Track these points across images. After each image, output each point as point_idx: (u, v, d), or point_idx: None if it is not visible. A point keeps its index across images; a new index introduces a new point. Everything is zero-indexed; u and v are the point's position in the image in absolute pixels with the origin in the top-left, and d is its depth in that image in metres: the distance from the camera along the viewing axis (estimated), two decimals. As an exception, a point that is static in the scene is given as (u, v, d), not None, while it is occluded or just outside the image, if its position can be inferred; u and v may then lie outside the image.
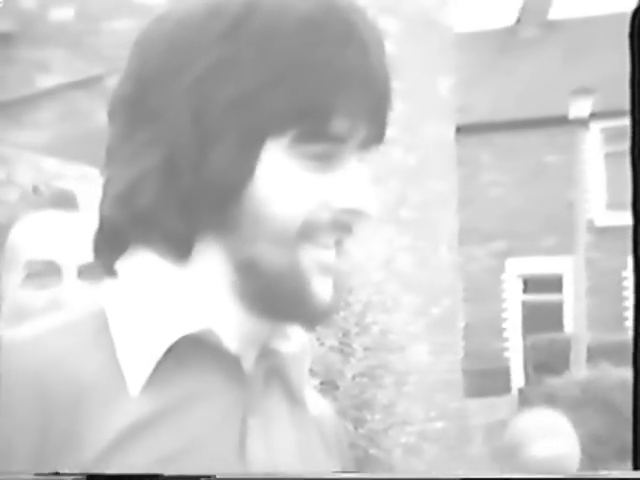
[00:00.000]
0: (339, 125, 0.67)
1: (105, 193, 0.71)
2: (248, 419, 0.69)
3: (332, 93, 0.66)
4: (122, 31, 4.69)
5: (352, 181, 0.68)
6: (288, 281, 0.67)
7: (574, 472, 1.99)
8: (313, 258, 0.68)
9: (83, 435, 0.64)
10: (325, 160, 0.68)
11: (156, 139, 0.68)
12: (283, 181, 0.67)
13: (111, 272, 0.71)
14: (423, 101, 7.42)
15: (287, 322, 0.71)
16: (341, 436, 0.82)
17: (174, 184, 0.67)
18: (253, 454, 0.69)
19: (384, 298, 4.84)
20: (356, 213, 0.68)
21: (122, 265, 0.71)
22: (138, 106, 0.70)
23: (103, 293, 0.71)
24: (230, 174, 0.67)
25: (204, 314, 0.68)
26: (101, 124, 0.77)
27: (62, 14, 5.07)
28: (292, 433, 0.73)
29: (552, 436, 2.03)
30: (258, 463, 0.69)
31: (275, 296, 0.68)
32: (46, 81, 4.81)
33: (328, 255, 0.69)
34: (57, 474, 0.63)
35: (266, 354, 0.72)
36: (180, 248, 0.69)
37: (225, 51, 0.66)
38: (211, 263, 0.69)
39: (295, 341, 0.73)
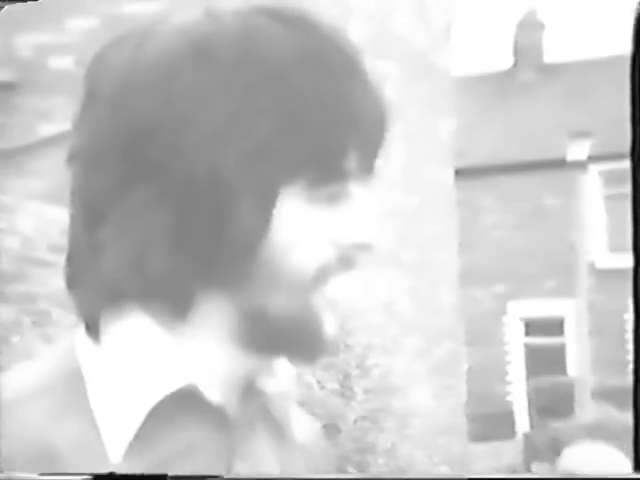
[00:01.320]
0: (352, 162, 0.65)
1: (100, 255, 0.64)
2: (234, 464, 0.67)
3: (344, 134, 0.64)
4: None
5: (357, 215, 0.66)
6: (300, 322, 0.65)
7: None
8: (323, 297, 0.66)
9: None
10: (335, 200, 0.66)
11: (163, 196, 0.63)
12: (299, 227, 0.64)
13: (95, 331, 0.66)
14: (423, 144, 7.49)
15: (288, 357, 0.69)
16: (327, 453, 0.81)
17: (186, 244, 0.63)
18: None
19: (385, 341, 4.83)
20: (363, 247, 0.67)
21: (107, 325, 0.66)
22: (133, 158, 0.63)
23: (79, 347, 0.67)
24: (247, 234, 0.63)
25: (189, 368, 0.65)
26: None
27: (61, 62, 5.14)
28: (279, 470, 0.71)
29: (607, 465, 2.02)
30: None
31: (284, 337, 0.66)
32: (48, 129, 4.86)
33: (333, 289, 0.67)
34: (61, 474, 0.61)
35: (250, 395, 0.70)
36: (181, 306, 0.64)
37: (230, 100, 0.62)
38: (212, 316, 0.65)
39: (281, 376, 0.71)
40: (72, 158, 0.66)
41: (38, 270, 3.90)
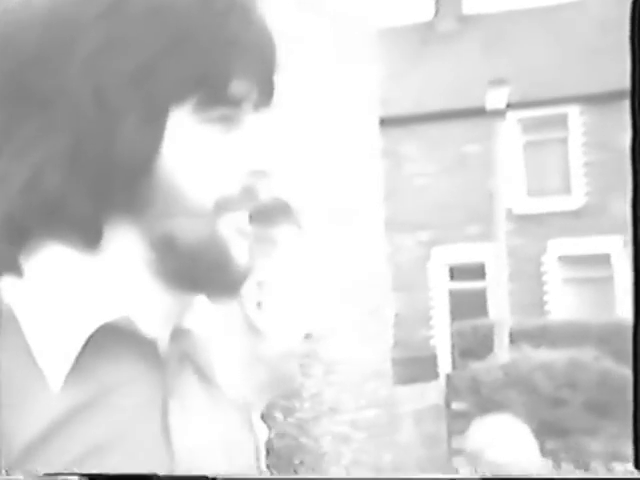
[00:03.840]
0: (236, 88, 0.68)
1: (1, 188, 0.67)
2: (168, 402, 0.69)
3: (224, 57, 0.67)
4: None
5: (252, 143, 0.69)
6: (208, 252, 0.67)
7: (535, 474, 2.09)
8: (229, 224, 0.68)
9: (2, 435, 0.63)
10: (226, 124, 0.68)
11: (52, 125, 0.65)
12: (191, 150, 0.67)
13: (15, 268, 0.68)
14: (348, 94, 7.52)
15: (207, 292, 0.71)
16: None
17: (80, 168, 0.65)
18: (176, 437, 0.69)
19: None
20: (260, 174, 0.69)
21: (27, 260, 0.68)
22: (19, 95, 0.66)
23: (7, 290, 0.68)
24: (137, 148, 0.65)
25: (120, 299, 0.67)
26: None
27: None
28: (210, 412, 0.73)
29: (510, 442, 2.12)
30: (181, 445, 0.69)
31: (196, 268, 0.67)
32: None
33: (242, 219, 0.70)
34: (57, 474, 0.63)
35: (179, 334, 0.72)
36: (90, 234, 0.67)
37: (110, 29, 0.65)
38: (124, 245, 0.68)
39: (203, 317, 0.73)
40: None
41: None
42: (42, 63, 0.66)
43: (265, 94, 0.72)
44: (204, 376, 0.75)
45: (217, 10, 0.68)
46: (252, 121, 0.70)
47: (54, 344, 0.66)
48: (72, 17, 0.66)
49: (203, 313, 0.74)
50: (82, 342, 0.66)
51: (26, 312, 0.67)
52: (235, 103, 0.69)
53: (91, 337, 0.66)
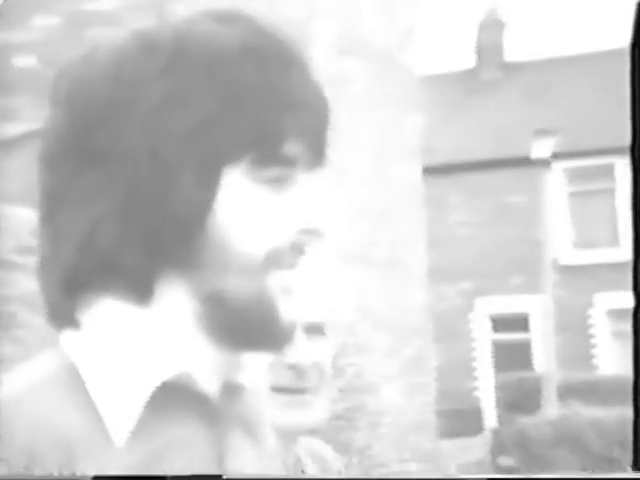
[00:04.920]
0: (290, 147, 0.69)
1: (56, 245, 0.69)
2: (224, 458, 0.70)
3: (280, 116, 0.68)
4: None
5: (305, 202, 0.70)
6: (256, 309, 0.68)
7: None
8: (277, 281, 0.69)
9: None
10: (279, 183, 0.69)
11: (110, 181, 0.67)
12: (244, 208, 0.68)
13: (72, 323, 0.69)
14: (390, 142, 7.51)
15: (255, 348, 0.71)
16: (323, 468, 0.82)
17: (134, 224, 0.67)
18: None
19: (357, 340, 4.83)
20: (312, 233, 0.70)
21: (83, 314, 0.69)
22: (82, 150, 0.68)
23: (67, 345, 0.69)
24: (191, 206, 0.66)
25: (175, 355, 0.68)
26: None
27: (25, 61, 5.07)
28: (260, 469, 0.73)
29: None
30: None
31: (244, 325, 0.68)
32: (13, 129, 4.79)
33: (289, 275, 0.70)
34: (63, 477, 0.63)
35: (229, 390, 0.72)
36: (142, 288, 0.68)
37: (169, 85, 0.66)
38: (176, 300, 0.68)
39: (252, 373, 0.74)
40: (38, 160, 0.71)
41: (6, 272, 3.84)
42: (104, 120, 0.67)
43: (318, 154, 0.72)
44: (251, 433, 0.75)
45: (276, 68, 0.68)
46: (304, 180, 0.71)
47: (117, 401, 0.66)
48: (133, 74, 0.67)
49: (253, 368, 0.74)
50: (145, 400, 0.66)
51: (87, 366, 0.68)
52: (288, 163, 0.69)
53: (153, 394, 0.67)
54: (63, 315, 0.69)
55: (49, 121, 0.70)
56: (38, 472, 0.63)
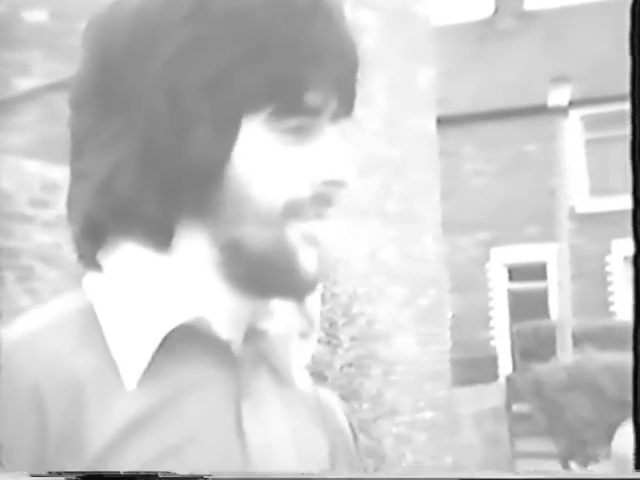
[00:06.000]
0: (313, 98, 0.67)
1: (80, 186, 0.69)
2: (242, 402, 0.69)
3: (303, 67, 0.66)
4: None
5: (329, 153, 0.69)
6: (276, 258, 0.67)
7: None
8: (298, 232, 0.68)
9: (82, 434, 0.63)
10: (301, 134, 0.68)
11: (130, 126, 0.67)
12: (263, 158, 0.67)
13: (94, 265, 0.70)
14: (404, 94, 7.46)
15: (276, 297, 0.71)
16: (334, 415, 0.80)
17: (153, 170, 0.67)
18: (250, 437, 0.69)
19: (370, 289, 4.87)
20: (336, 184, 0.69)
21: (105, 258, 0.70)
22: (106, 94, 0.68)
23: (88, 286, 0.70)
24: (209, 155, 0.66)
25: (193, 301, 0.68)
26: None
27: (36, 16, 5.07)
28: (283, 412, 0.73)
29: None
30: (255, 445, 0.69)
31: (263, 273, 0.68)
32: (25, 84, 4.80)
33: (311, 226, 0.69)
34: (58, 474, 0.63)
35: (253, 335, 0.72)
36: (161, 235, 0.68)
37: (192, 32, 0.66)
38: (195, 247, 0.68)
39: (279, 319, 0.73)
40: (68, 104, 0.71)
41: (19, 225, 3.89)
42: (127, 64, 0.67)
43: (345, 104, 0.70)
44: (279, 376, 0.74)
45: (300, 14, 0.66)
46: (330, 131, 0.69)
47: (131, 343, 0.66)
48: (157, 19, 0.66)
49: (280, 314, 0.73)
50: (158, 342, 0.66)
51: (105, 309, 0.68)
52: (312, 113, 0.68)
53: (167, 337, 0.67)
54: (86, 257, 0.70)
55: (79, 66, 0.71)
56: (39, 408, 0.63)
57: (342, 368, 4.18)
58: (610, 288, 12.84)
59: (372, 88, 6.61)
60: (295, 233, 0.68)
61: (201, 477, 0.64)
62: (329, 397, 0.81)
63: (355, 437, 0.82)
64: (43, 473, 0.62)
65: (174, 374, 0.67)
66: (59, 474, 0.62)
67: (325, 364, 4.09)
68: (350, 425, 0.82)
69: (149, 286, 0.68)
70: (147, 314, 0.67)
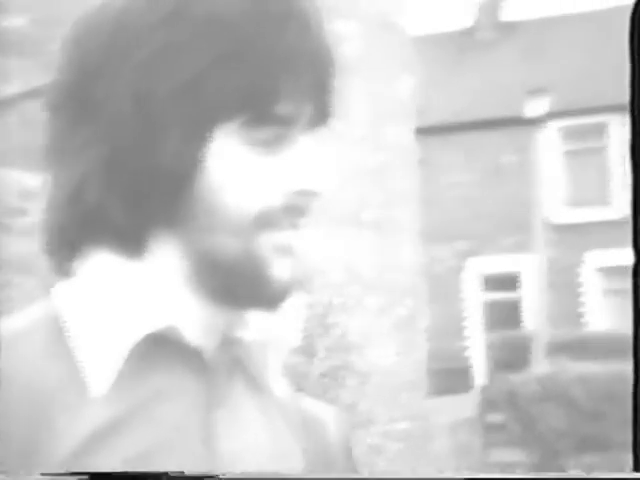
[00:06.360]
0: (285, 107, 0.66)
1: (53, 193, 0.69)
2: (214, 411, 0.69)
3: (275, 76, 0.65)
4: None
5: (302, 163, 0.68)
6: (246, 267, 0.67)
7: None
8: (270, 241, 0.68)
9: (46, 442, 0.63)
10: (274, 144, 0.67)
11: (100, 133, 0.66)
12: (235, 168, 0.66)
13: (66, 273, 0.69)
14: (383, 103, 7.49)
15: (247, 306, 0.71)
16: (322, 426, 0.79)
17: (121, 178, 0.66)
18: (222, 445, 0.68)
19: (345, 299, 4.89)
20: (309, 194, 0.68)
21: (77, 267, 0.69)
22: (82, 99, 0.67)
23: (57, 295, 0.69)
24: (179, 164, 0.65)
25: (164, 310, 0.68)
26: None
27: (15, 22, 5.04)
28: (258, 419, 0.72)
29: None
30: (227, 454, 0.68)
31: (234, 283, 0.68)
32: (4, 90, 4.77)
33: (285, 236, 0.68)
34: (60, 474, 0.63)
35: (228, 343, 0.71)
36: (132, 244, 0.67)
37: (164, 38, 0.65)
38: (167, 257, 0.68)
39: (255, 327, 0.72)
40: (46, 110, 0.70)
41: (-4, 234, 3.86)
42: (103, 69, 0.66)
43: (321, 112, 0.70)
44: (255, 383, 0.74)
45: (274, 21, 0.66)
46: (304, 140, 0.68)
47: (99, 351, 0.66)
48: (135, 24, 0.66)
49: (256, 322, 0.73)
50: (127, 350, 0.66)
51: (74, 317, 0.68)
52: (285, 122, 0.67)
53: (137, 346, 0.66)
54: (59, 265, 0.70)
55: (58, 70, 0.69)
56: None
57: (317, 378, 4.19)
58: (582, 299, 12.95)
59: (351, 97, 6.64)
60: (267, 243, 0.67)
61: (211, 476, 0.64)
62: (322, 410, 0.80)
63: (348, 452, 0.80)
64: (52, 472, 0.62)
65: (144, 382, 0.67)
66: (70, 474, 0.63)
67: (300, 374, 4.10)
68: (345, 439, 0.81)
69: (120, 295, 0.68)
70: (117, 322, 0.67)
